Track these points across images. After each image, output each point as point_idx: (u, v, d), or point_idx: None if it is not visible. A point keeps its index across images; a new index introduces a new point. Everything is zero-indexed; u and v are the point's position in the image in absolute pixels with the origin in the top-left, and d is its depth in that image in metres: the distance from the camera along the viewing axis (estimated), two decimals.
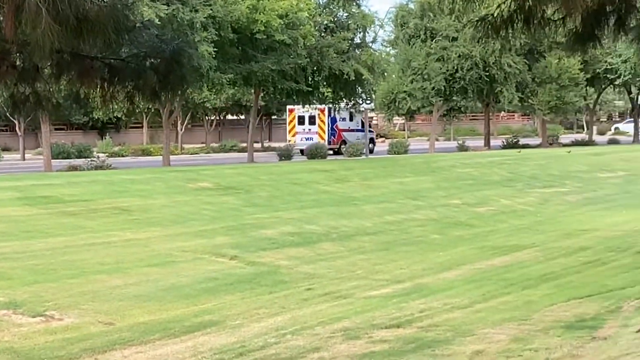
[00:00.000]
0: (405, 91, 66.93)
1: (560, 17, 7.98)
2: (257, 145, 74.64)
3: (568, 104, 72.00)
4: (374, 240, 30.26)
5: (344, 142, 66.23)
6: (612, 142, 79.65)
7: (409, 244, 29.67)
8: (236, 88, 63.99)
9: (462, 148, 67.92)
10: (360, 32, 58.24)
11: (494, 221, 34.75)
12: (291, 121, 68.99)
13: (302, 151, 61.15)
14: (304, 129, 67.72)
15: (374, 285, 22.89)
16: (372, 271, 25.15)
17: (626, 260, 24.58)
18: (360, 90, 60.19)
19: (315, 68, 54.68)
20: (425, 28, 67.85)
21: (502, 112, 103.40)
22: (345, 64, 53.73)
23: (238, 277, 24.15)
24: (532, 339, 15.77)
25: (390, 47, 73.16)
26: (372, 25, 59.19)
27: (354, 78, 54.15)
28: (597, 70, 75.18)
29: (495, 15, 8.17)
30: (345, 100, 61.21)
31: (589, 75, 74.08)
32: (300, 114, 67.35)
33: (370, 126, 71.98)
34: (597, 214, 36.11)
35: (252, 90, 59.31)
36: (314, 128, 67.58)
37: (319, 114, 66.66)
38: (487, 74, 66.82)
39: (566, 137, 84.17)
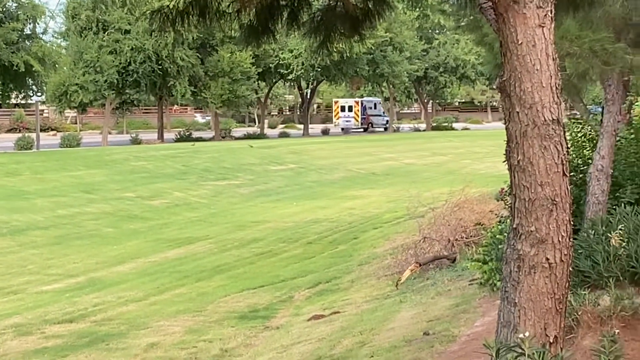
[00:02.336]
0: (77, 84, 65.67)
1: (236, 10, 8.03)
2: None
3: (240, 97, 73.16)
4: (47, 235, 29.56)
5: (371, 123, 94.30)
6: (283, 135, 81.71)
7: (83, 238, 29.19)
8: None
9: (136, 141, 67.50)
10: (30, 23, 56.58)
11: (168, 214, 34.80)
12: (336, 109, 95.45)
13: (342, 129, 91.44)
14: (344, 115, 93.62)
15: (47, 280, 22.38)
16: (45, 266, 24.56)
17: (297, 251, 25.31)
18: (30, 82, 58.69)
19: None
20: (97, 20, 66.80)
21: (176, 106, 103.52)
22: (15, 56, 52.13)
23: None
24: (207, 330, 15.94)
25: (62, 39, 71.57)
26: (42, 16, 57.66)
27: (24, 70, 52.61)
28: (269, 65, 76.88)
29: (171, 8, 8.08)
30: (15, 93, 59.95)
31: (260, 70, 75.60)
32: (342, 104, 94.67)
33: (383, 112, 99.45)
34: (268, 205, 36.94)
35: None
36: (351, 114, 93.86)
37: (354, 104, 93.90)
38: (160, 67, 66.76)
39: (238, 131, 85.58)
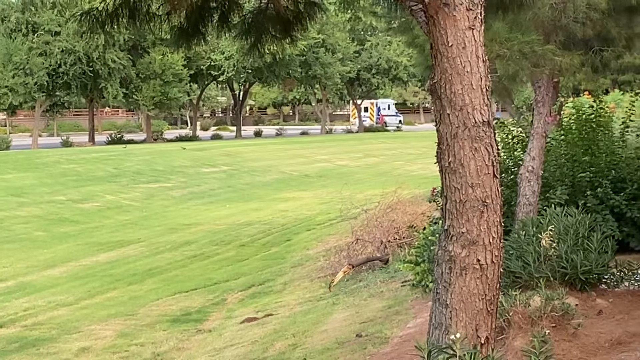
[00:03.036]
0: (6, 86, 64.84)
1: (166, 12, 7.97)
2: None
3: (172, 99, 72.80)
4: None
5: (385, 123, 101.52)
6: (216, 137, 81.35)
7: (13, 242, 28.80)
8: None
9: (67, 144, 66.87)
10: None
11: (100, 217, 34.48)
12: (353, 110, 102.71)
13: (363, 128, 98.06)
14: (362, 115, 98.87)
15: None
16: None
17: (230, 254, 25.22)
18: None
19: None
20: (27, 22, 65.98)
21: (107, 108, 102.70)
22: None
23: None
24: (139, 334, 15.83)
25: None
26: None
27: None
28: (201, 67, 76.61)
29: (100, 10, 8.01)
30: None
31: (192, 72, 75.30)
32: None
33: (396, 112, 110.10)
34: (201, 208, 36.77)
35: None
36: (367, 114, 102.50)
37: (370, 106, 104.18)
38: (91, 69, 66.22)
39: (171, 133, 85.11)
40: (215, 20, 8.31)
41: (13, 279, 22.58)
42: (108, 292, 20.37)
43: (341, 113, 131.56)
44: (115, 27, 8.10)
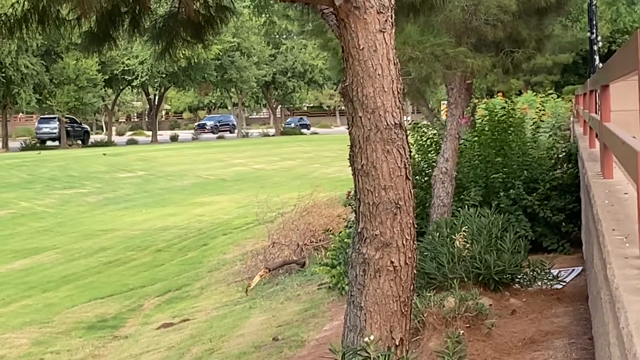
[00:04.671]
0: None
1: (76, 17, 7.86)
2: None
3: (87, 104, 72.11)
4: None
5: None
6: (131, 142, 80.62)
7: None
8: None
9: None
10: None
11: (14, 224, 33.96)
12: (444, 108, 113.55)
13: None
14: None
15: None
16: None
17: (146, 259, 25.05)
18: None
19: None
20: None
21: (21, 114, 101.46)
22: None
23: None
24: (54, 342, 15.68)
25: None
26: None
27: None
28: (115, 72, 75.95)
29: (9, 15, 7.88)
30: None
31: (107, 76, 74.64)
32: None
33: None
34: (117, 213, 36.41)
35: None
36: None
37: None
38: (4, 74, 65.29)
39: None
40: (126, 25, 8.23)
41: None
42: (23, 300, 20.11)
43: (257, 117, 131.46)
44: (25, 32, 7.98)
